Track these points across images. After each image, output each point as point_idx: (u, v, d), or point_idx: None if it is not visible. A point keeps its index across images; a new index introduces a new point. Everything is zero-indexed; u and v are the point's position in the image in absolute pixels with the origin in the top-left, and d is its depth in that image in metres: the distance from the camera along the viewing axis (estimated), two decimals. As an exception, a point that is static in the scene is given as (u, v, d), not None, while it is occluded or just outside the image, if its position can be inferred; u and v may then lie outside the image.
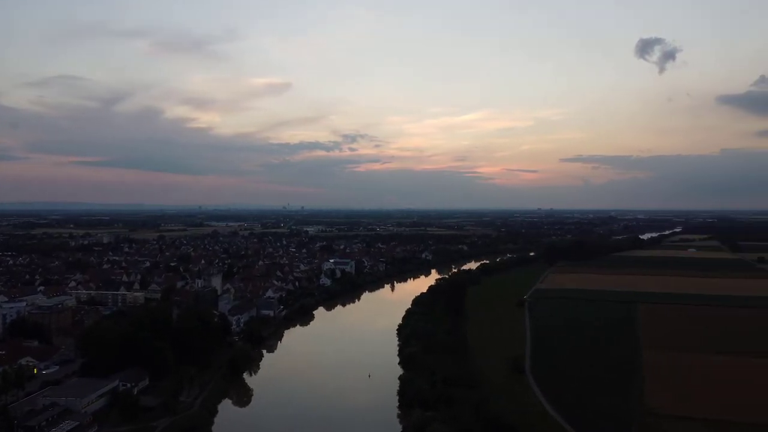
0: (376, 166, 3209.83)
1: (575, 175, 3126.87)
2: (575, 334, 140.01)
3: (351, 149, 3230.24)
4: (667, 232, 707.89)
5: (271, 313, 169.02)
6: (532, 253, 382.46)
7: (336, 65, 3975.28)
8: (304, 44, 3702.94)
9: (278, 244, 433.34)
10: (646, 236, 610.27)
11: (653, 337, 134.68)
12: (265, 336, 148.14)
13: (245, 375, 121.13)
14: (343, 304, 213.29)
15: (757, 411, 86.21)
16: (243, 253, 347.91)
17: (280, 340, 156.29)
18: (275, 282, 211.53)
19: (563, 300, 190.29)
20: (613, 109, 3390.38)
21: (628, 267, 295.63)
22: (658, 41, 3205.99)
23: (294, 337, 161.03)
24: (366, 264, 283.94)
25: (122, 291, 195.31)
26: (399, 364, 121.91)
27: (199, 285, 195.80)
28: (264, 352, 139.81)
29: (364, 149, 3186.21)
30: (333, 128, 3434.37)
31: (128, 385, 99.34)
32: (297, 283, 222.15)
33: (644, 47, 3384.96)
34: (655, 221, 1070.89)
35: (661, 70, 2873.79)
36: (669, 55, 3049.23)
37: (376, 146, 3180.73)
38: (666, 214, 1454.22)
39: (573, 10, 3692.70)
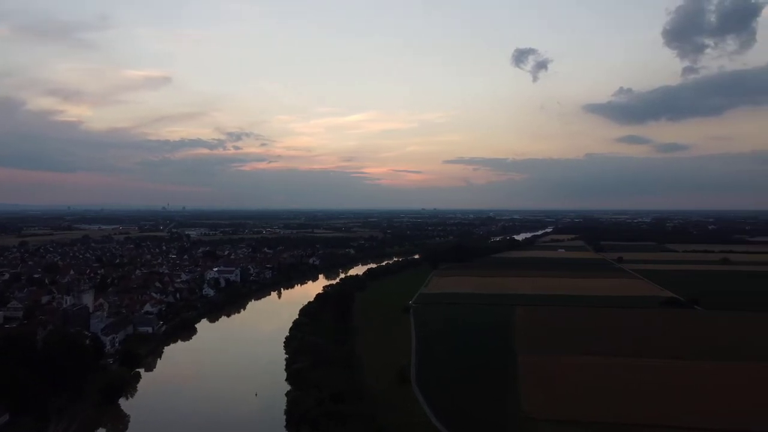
0: (263, 166, 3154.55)
1: (457, 176, 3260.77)
2: (457, 339, 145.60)
3: (236, 148, 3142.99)
4: (539, 233, 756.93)
5: (150, 330, 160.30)
6: (417, 256, 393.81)
7: (219, 60, 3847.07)
8: (184, 37, 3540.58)
9: (157, 250, 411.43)
10: (521, 236, 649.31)
11: (528, 340, 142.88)
12: (143, 355, 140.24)
13: (121, 400, 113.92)
14: (228, 315, 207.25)
15: (629, 411, 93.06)
16: (118, 261, 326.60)
17: (160, 357, 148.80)
18: (154, 294, 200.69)
19: (446, 305, 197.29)
20: (492, 114, 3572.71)
21: (505, 269, 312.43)
22: (531, 51, 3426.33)
23: (175, 354, 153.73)
24: (252, 271, 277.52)
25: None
26: (286, 380, 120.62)
27: (68, 301, 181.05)
28: (142, 371, 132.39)
29: (250, 148, 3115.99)
30: (217, 125, 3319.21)
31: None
32: (178, 295, 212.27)
33: (520, 57, 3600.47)
34: (529, 221, 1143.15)
35: (535, 78, 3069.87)
36: (541, 65, 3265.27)
37: (263, 145, 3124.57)
38: (538, 214, 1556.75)
39: (455, 18, 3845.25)
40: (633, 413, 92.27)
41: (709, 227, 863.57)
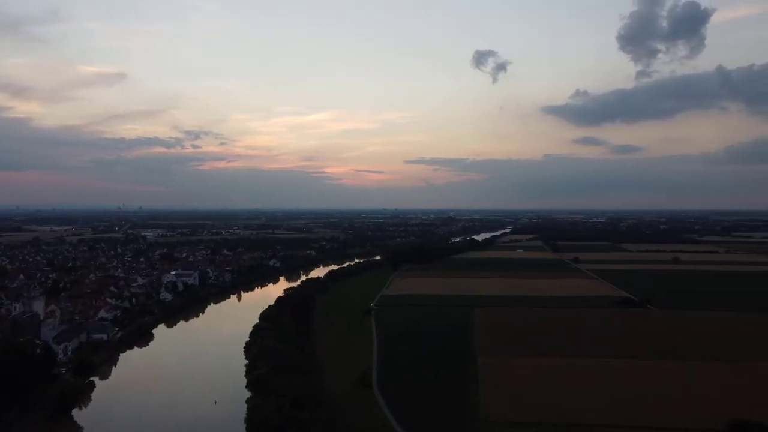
0: (222, 165, 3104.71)
1: (418, 176, 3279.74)
2: (419, 342, 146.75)
3: (194, 146, 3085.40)
4: (498, 233, 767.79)
5: (105, 337, 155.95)
6: (378, 257, 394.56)
7: (177, 57, 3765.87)
8: (140, 32, 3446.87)
9: (112, 252, 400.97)
10: (481, 236, 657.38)
11: (488, 341, 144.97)
12: (97, 364, 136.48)
13: (75, 411, 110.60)
14: (187, 320, 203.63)
15: (587, 412, 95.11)
16: (71, 264, 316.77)
17: (115, 365, 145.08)
18: (109, 300, 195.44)
19: (407, 307, 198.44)
20: (453, 115, 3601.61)
21: (465, 269, 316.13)
22: (491, 53, 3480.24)
23: (131, 361, 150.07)
24: (211, 274, 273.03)
25: None
26: (247, 387, 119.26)
27: (17, 308, 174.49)
28: (97, 380, 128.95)
29: (209, 147, 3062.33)
30: (174, 124, 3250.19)
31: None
32: (134, 300, 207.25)
33: (480, 58, 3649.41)
34: (489, 221, 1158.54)
35: (494, 80, 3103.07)
36: (501, 67, 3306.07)
37: (222, 144, 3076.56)
38: (498, 214, 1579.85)
39: (416, 19, 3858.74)
40: (592, 414, 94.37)
41: (661, 227, 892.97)
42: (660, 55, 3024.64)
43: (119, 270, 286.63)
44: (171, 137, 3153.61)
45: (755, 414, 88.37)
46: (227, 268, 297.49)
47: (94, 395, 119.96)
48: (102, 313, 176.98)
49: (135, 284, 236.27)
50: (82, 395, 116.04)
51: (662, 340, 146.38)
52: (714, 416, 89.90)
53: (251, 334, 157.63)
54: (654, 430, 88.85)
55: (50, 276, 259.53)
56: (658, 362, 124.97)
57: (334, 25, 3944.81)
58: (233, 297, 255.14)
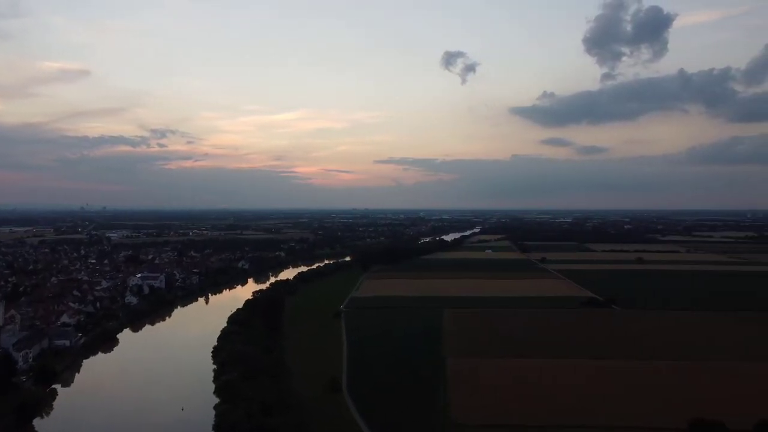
0: (189, 164, 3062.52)
1: (388, 176, 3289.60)
2: (389, 345, 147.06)
3: (160, 145, 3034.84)
4: (468, 233, 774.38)
5: (67, 343, 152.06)
6: (348, 258, 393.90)
7: (142, 53, 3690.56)
8: (104, 28, 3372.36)
9: (75, 254, 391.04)
10: (450, 237, 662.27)
11: (457, 343, 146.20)
12: (59, 371, 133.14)
13: (36, 420, 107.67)
14: (153, 324, 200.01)
15: (555, 413, 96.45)
16: (31, 267, 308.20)
17: (78, 372, 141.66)
18: (72, 304, 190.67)
19: (377, 309, 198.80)
20: (422, 115, 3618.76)
21: (435, 270, 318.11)
22: (460, 54, 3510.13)
23: (94, 368, 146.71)
24: (178, 277, 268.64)
25: None
26: (215, 392, 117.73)
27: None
28: (59, 388, 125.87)
29: (175, 145, 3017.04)
30: (139, 122, 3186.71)
31: None
32: (98, 304, 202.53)
33: (449, 59, 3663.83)
34: (458, 221, 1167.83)
35: (463, 81, 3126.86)
36: (470, 68, 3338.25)
37: (189, 143, 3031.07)
38: (467, 214, 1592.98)
39: (386, 19, 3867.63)
40: (559, 415, 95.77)
41: (625, 227, 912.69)
42: (624, 58, 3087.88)
43: (82, 273, 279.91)
44: (136, 136, 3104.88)
45: (715, 412, 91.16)
46: (195, 271, 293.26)
47: (56, 403, 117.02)
48: (64, 318, 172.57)
49: (99, 288, 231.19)
50: (43, 404, 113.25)
51: (626, 340, 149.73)
52: (676, 415, 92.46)
53: (219, 339, 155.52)
54: (618, 429, 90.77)
55: (9, 280, 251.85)
56: (622, 362, 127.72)
57: (303, 24, 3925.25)
58: (201, 300, 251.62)
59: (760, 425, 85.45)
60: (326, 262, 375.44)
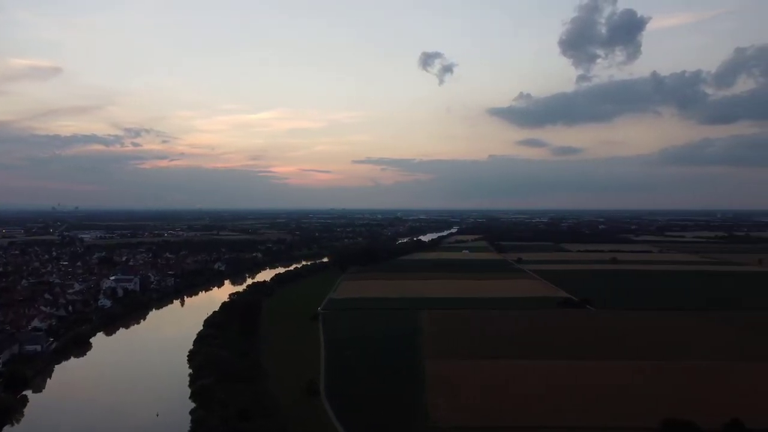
0: (164, 164, 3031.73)
1: (366, 176, 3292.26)
2: (366, 347, 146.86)
3: (134, 144, 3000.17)
4: (445, 233, 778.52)
5: (39, 348, 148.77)
6: (326, 259, 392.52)
7: (116, 51, 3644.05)
8: (76, 25, 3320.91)
9: (47, 256, 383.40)
10: (428, 237, 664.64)
11: (435, 345, 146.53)
12: (30, 377, 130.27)
13: (6, 428, 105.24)
14: (127, 327, 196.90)
15: (532, 414, 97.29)
16: (1, 270, 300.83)
17: (50, 378, 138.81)
18: (43, 308, 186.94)
19: (355, 310, 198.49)
20: (400, 115, 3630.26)
21: (413, 271, 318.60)
22: (438, 55, 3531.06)
23: (67, 373, 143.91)
24: (153, 279, 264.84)
25: None
26: (191, 397, 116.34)
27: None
28: (30, 394, 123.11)
29: (150, 145, 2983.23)
30: (113, 121, 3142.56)
31: None
32: (71, 308, 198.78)
33: (426, 60, 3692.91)
34: (436, 221, 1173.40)
35: (441, 82, 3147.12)
36: (447, 69, 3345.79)
37: (164, 142, 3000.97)
38: (444, 214, 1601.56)
39: (364, 19, 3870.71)
40: (535, 416, 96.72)
41: (600, 227, 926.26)
42: (599, 61, 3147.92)
43: (54, 275, 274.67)
44: (109, 134, 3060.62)
45: (688, 412, 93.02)
46: (170, 272, 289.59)
47: (27, 410, 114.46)
48: (35, 323, 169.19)
49: (71, 291, 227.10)
50: (13, 411, 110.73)
51: (601, 340, 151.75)
52: (649, 415, 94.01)
53: (195, 342, 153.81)
54: (594, 429, 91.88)
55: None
56: (597, 363, 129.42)
57: (281, 23, 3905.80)
58: (176, 302, 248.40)
59: (730, 424, 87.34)
60: (304, 263, 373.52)
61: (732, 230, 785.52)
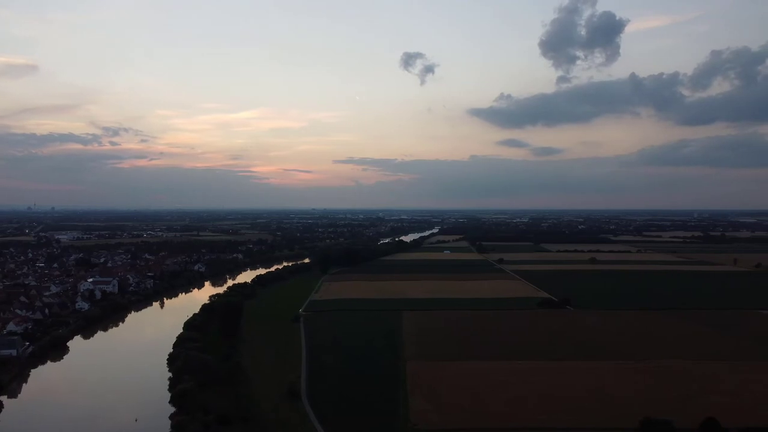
0: (143, 163, 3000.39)
1: (347, 176, 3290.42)
2: (348, 349, 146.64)
3: (113, 143, 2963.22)
4: (426, 233, 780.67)
5: (14, 353, 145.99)
6: (307, 260, 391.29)
7: (93, 49, 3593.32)
8: (53, 21, 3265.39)
9: (22, 257, 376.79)
10: (409, 237, 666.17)
11: (416, 347, 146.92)
12: (5, 382, 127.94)
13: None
14: (105, 330, 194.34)
15: (512, 415, 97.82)
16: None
17: (26, 383, 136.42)
18: (18, 311, 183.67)
19: (337, 312, 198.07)
20: (382, 115, 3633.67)
21: (394, 272, 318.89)
22: (419, 55, 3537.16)
23: (43, 377, 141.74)
24: (131, 281, 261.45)
25: None
26: (170, 402, 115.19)
27: None
28: (5, 399, 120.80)
29: (128, 144, 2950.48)
30: (91, 119, 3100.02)
31: None
32: (47, 311, 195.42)
33: (408, 60, 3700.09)
34: (417, 221, 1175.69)
35: (422, 82, 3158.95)
36: (429, 69, 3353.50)
37: (143, 141, 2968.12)
38: (425, 214, 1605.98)
39: (346, 19, 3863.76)
40: (516, 417, 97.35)
41: (579, 227, 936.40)
42: (579, 62, 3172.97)
43: (30, 277, 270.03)
44: (87, 133, 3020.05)
45: (666, 411, 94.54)
46: (149, 274, 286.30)
47: (2, 416, 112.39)
48: (10, 326, 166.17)
49: (48, 293, 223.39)
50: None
51: (580, 340, 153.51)
52: (628, 415, 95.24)
53: (175, 345, 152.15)
54: (574, 430, 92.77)
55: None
56: (577, 363, 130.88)
57: (263, 22, 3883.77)
58: (156, 304, 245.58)
59: (705, 423, 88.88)
60: (285, 264, 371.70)
61: (708, 230, 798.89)
